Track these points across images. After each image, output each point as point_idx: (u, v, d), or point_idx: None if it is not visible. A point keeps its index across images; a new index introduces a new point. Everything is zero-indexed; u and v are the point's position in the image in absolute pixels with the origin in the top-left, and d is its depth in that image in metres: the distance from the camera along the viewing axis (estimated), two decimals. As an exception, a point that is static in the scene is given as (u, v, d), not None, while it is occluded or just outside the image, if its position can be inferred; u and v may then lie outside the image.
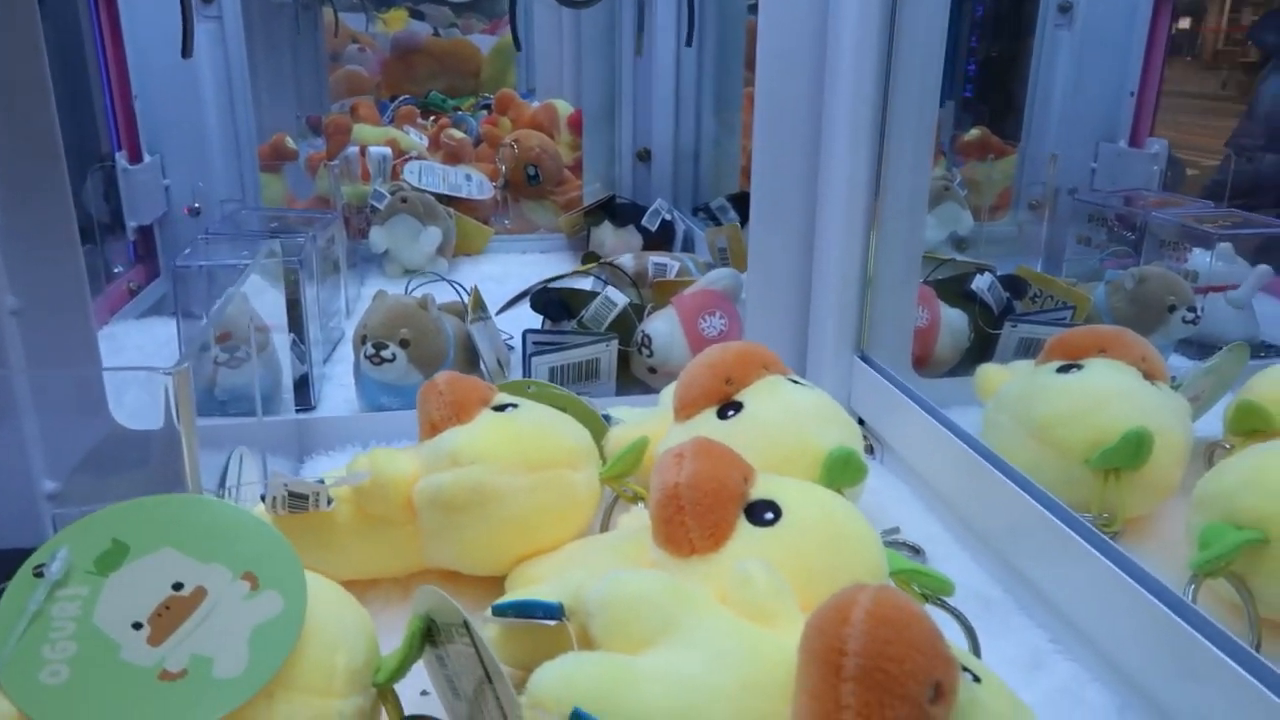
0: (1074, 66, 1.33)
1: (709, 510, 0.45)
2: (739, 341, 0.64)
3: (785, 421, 0.59)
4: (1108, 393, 0.62)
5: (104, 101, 1.17)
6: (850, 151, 0.76)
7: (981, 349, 0.90)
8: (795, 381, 0.63)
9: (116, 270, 1.22)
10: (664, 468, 0.47)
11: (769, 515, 0.46)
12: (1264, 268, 0.96)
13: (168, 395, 0.45)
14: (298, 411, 0.88)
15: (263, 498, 0.51)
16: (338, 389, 0.93)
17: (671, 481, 0.46)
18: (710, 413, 0.61)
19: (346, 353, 0.97)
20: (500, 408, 0.57)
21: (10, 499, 0.74)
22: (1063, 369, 0.65)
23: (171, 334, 0.93)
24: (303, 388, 0.89)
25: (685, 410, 0.62)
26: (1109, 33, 1.31)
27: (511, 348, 0.97)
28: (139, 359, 0.97)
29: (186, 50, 0.58)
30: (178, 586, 0.38)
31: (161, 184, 1.28)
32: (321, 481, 0.52)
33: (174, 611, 0.37)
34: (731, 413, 0.60)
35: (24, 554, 0.74)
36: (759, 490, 0.47)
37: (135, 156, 1.22)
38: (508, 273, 1.33)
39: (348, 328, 1.09)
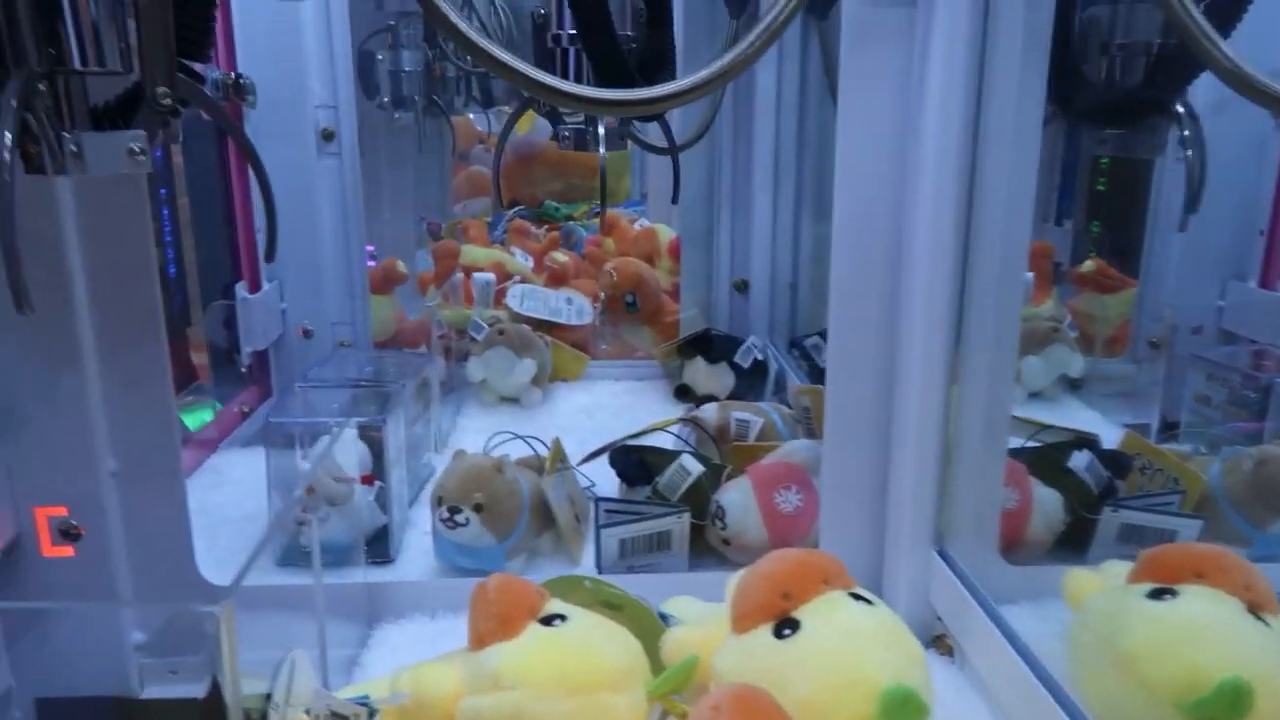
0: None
1: (738, 780, 0.43)
2: (800, 550, 0.62)
3: (842, 648, 0.57)
4: (1202, 627, 0.57)
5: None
6: (926, 311, 0.73)
7: (1079, 533, 0.85)
8: (858, 596, 0.60)
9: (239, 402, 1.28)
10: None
11: (803, 787, 0.43)
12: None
13: (217, 631, 0.46)
14: (376, 564, 0.90)
15: (307, 712, 0.51)
16: (420, 537, 0.94)
17: (703, 742, 0.44)
18: (766, 629, 0.59)
19: (431, 494, 0.98)
20: (549, 619, 0.57)
21: (100, 647, 0.77)
22: (1154, 593, 0.61)
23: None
24: (383, 539, 0.90)
25: (741, 623, 0.60)
26: (1235, 168, 1.25)
27: (591, 497, 0.97)
28: (236, 496, 1.01)
29: (270, 255, 0.61)
30: None
31: (279, 308, 1.35)
32: (365, 699, 0.53)
33: None
34: (788, 631, 0.58)
35: (108, 702, 0.76)
36: (797, 754, 0.45)
37: (255, 286, 1.29)
38: (600, 403, 1.34)
39: (437, 464, 1.11)
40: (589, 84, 0.73)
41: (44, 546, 0.74)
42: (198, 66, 0.53)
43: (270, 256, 0.60)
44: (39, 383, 0.69)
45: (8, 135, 0.42)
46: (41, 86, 0.45)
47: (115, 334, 0.70)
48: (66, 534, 0.74)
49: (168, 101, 0.46)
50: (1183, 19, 0.66)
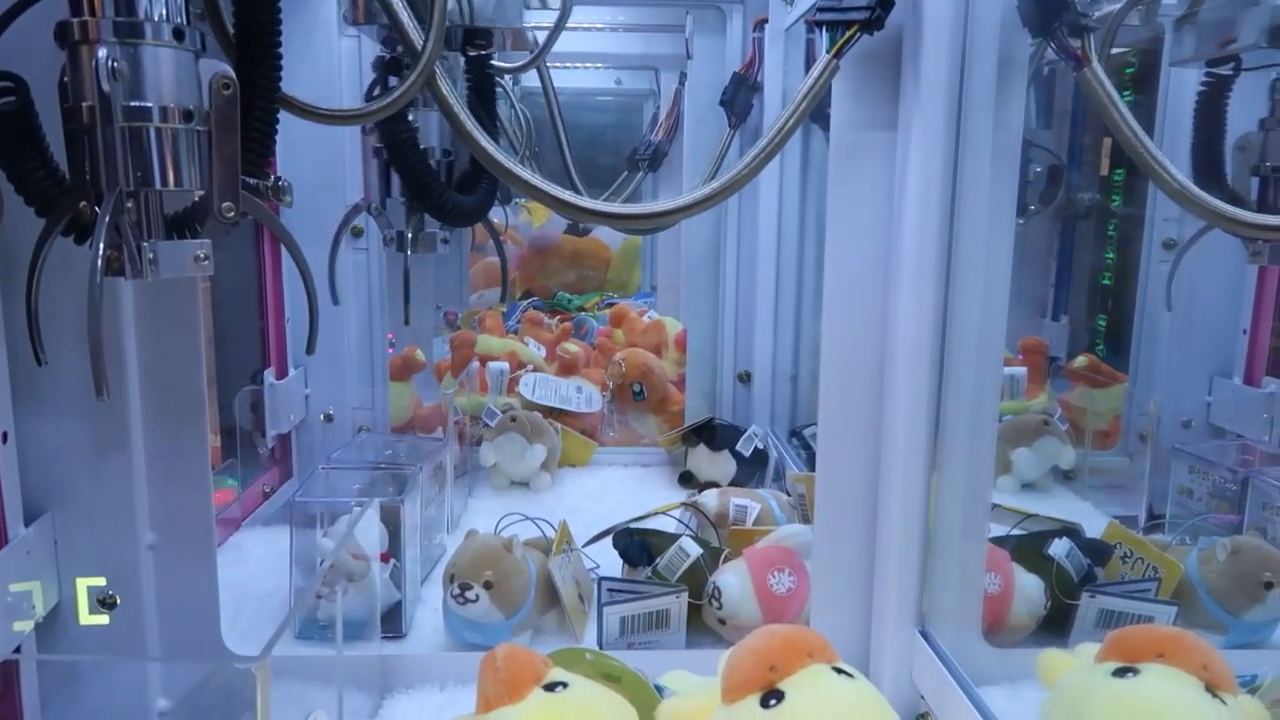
0: (1181, 299, 1.31)
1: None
2: (787, 626, 0.67)
3: (823, 716, 0.61)
4: (1161, 705, 0.61)
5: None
6: (908, 404, 0.78)
7: (1060, 617, 0.89)
8: (840, 670, 0.65)
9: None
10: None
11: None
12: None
13: (253, 686, 0.51)
14: (388, 638, 0.94)
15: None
16: (430, 614, 0.98)
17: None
18: (754, 700, 0.63)
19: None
20: (552, 686, 0.62)
21: (126, 713, 0.81)
22: (1118, 672, 0.65)
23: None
24: (396, 614, 0.95)
25: (730, 694, 0.64)
26: (1216, 270, 1.30)
27: (595, 579, 1.01)
28: (257, 573, 1.06)
29: (310, 348, 0.67)
30: None
31: (303, 393, 1.41)
32: (379, 756, 0.57)
33: None
34: (774, 701, 0.62)
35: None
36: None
37: (281, 372, 1.35)
38: (606, 489, 1.39)
39: (449, 544, 1.16)
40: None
41: (81, 615, 0.80)
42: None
43: (311, 349, 0.67)
44: (90, 462, 0.76)
45: (102, 246, 0.49)
46: (129, 203, 0.52)
47: (162, 419, 0.77)
48: (103, 603, 0.79)
49: (232, 214, 0.54)
50: (1135, 146, 0.73)
